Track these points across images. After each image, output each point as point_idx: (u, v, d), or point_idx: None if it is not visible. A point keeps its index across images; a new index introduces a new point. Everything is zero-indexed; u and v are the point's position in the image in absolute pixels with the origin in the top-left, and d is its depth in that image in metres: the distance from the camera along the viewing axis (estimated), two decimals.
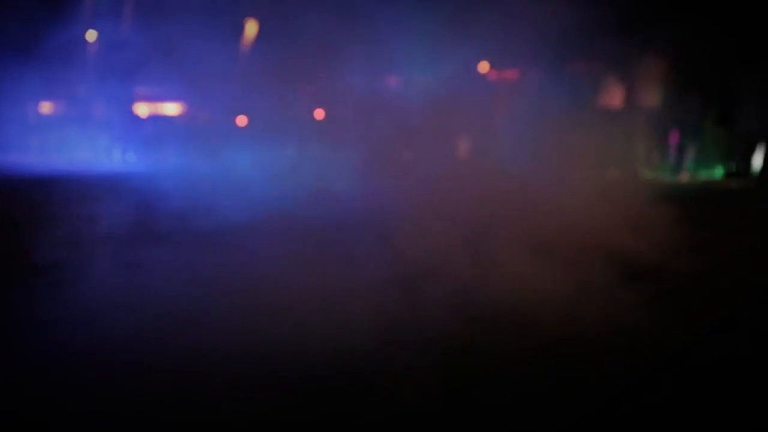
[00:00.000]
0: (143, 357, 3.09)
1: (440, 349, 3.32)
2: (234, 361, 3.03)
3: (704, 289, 5.27)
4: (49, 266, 4.19)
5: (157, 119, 8.79)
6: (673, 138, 21.73)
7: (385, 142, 6.14)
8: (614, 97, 8.54)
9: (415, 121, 6.07)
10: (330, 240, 4.74)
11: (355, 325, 3.40)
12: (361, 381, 2.94)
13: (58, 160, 12.23)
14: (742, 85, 20.80)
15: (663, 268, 5.46)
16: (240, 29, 7.13)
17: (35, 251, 4.41)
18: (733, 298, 5.02)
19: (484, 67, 6.94)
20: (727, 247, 7.41)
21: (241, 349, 3.14)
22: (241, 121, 7.79)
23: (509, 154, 6.15)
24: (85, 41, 10.26)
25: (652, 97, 12.97)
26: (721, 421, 2.81)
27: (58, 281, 3.96)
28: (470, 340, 3.48)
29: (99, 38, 10.27)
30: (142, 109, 8.70)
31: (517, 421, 2.72)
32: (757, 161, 22.70)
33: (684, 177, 22.24)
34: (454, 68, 6.05)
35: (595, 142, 6.68)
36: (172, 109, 8.42)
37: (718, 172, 23.69)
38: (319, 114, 7.35)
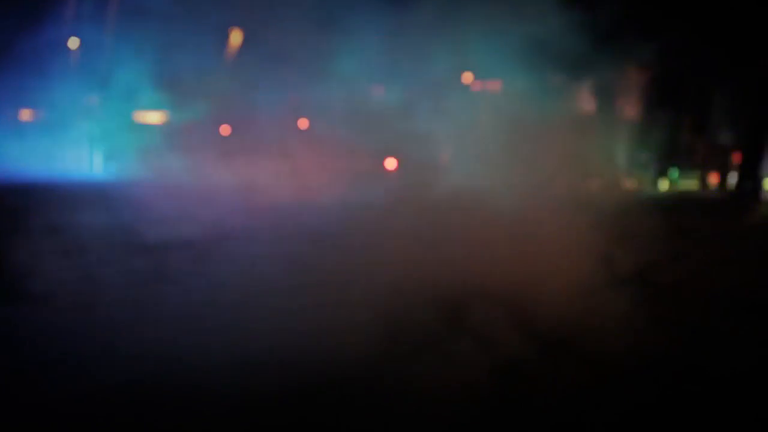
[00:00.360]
0: (136, 363, 3.08)
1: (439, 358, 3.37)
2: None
3: (684, 297, 5.33)
4: (27, 275, 4.13)
5: (139, 128, 8.74)
6: (653, 149, 21.99)
7: (363, 153, 6.18)
8: (594, 108, 8.63)
9: (394, 131, 6.09)
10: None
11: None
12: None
13: (37, 168, 12.08)
14: (719, 96, 21.18)
15: (643, 277, 5.52)
16: (223, 38, 7.12)
17: (13, 261, 4.35)
18: (712, 306, 5.09)
19: (465, 77, 6.98)
20: (705, 256, 7.52)
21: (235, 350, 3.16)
22: (224, 130, 7.76)
23: (489, 165, 6.18)
24: (66, 48, 10.18)
25: (631, 108, 13.15)
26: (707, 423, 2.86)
27: (39, 290, 3.91)
28: (467, 341, 3.52)
29: (80, 46, 10.20)
30: (124, 118, 8.64)
31: (515, 421, 2.77)
32: (733, 172, 23.07)
33: (663, 187, 22.52)
34: (434, 78, 6.09)
35: (576, 154, 6.73)
36: (154, 117, 8.37)
37: (696, 182, 24.03)
38: (303, 124, 7.35)
